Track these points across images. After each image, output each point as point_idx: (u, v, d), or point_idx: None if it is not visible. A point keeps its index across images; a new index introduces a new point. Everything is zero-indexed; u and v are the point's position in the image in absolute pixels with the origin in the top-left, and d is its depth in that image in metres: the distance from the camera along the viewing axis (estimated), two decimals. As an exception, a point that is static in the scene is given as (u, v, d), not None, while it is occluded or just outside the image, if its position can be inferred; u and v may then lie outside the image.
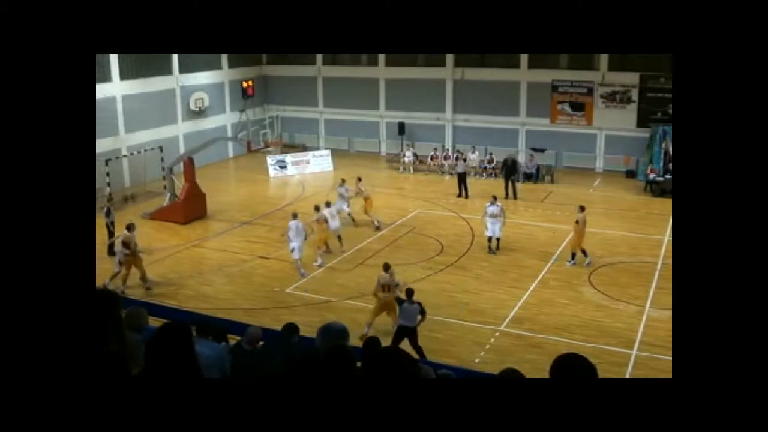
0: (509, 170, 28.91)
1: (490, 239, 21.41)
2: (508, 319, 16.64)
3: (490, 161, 32.27)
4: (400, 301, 14.74)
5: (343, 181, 24.89)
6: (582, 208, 20.35)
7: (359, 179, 24.64)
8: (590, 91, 32.32)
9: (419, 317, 14.43)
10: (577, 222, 20.10)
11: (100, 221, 21.95)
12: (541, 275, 19.53)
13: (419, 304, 14.49)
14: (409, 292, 14.56)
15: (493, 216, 21.18)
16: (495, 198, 21.76)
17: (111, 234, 21.75)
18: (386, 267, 15.97)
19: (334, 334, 4.52)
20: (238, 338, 10.41)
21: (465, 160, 30.43)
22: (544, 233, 23.40)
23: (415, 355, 13.31)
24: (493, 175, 31.68)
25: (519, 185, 29.08)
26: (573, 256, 20.24)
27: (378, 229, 23.57)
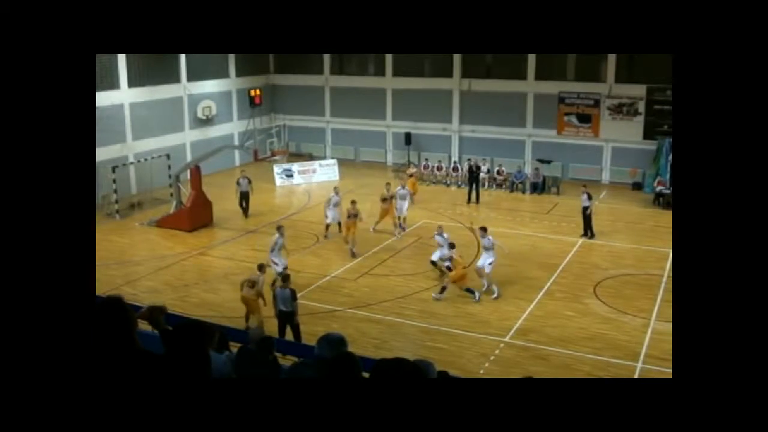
0: (472, 175, 29.67)
1: None
2: (513, 331, 16.58)
3: (499, 172, 32.27)
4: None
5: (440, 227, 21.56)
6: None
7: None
8: (597, 103, 32.30)
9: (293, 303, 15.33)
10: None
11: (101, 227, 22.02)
12: (546, 287, 19.46)
13: (292, 290, 15.40)
14: (285, 277, 15.99)
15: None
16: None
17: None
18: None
19: (334, 342, 4.62)
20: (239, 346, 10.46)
21: (478, 172, 30.47)
22: (550, 245, 23.35)
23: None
24: (502, 186, 31.76)
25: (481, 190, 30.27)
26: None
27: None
